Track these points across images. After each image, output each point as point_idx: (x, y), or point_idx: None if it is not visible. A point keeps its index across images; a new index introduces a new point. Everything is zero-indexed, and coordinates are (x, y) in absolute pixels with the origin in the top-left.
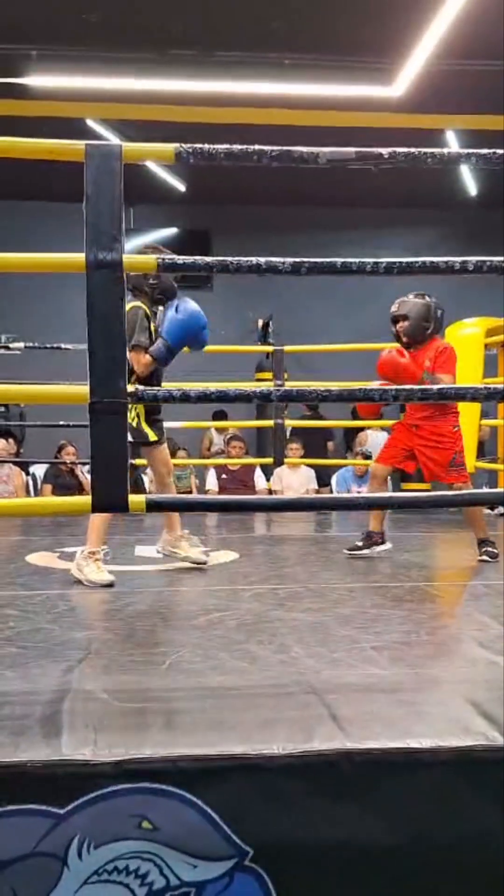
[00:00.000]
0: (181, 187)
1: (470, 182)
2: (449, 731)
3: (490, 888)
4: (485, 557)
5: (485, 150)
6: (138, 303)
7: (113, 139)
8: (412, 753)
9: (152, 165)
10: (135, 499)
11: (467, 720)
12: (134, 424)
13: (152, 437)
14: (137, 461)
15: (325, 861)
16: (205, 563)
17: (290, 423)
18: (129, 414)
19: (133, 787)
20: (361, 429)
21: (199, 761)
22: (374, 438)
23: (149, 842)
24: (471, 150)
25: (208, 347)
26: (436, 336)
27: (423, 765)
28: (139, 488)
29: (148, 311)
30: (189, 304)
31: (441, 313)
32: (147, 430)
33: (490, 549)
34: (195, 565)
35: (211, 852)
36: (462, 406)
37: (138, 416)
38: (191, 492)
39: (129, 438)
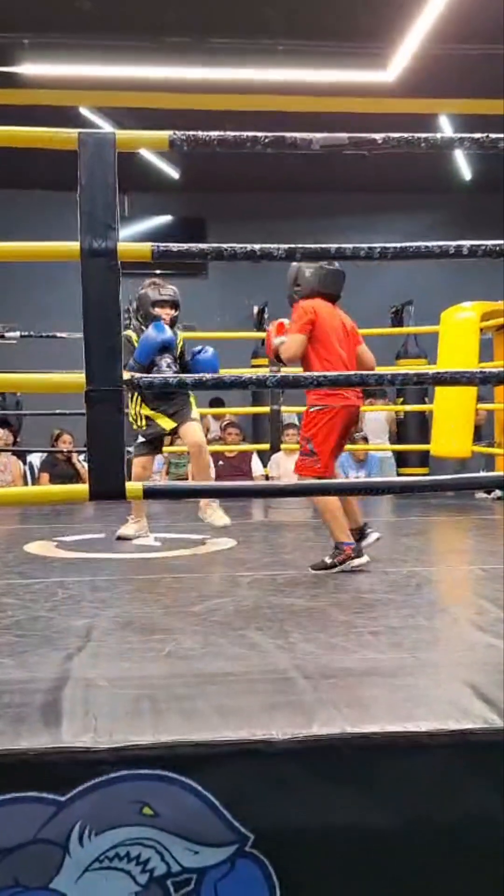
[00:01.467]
0: (175, 175)
1: (465, 166)
2: (448, 715)
3: (491, 870)
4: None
5: (478, 135)
6: (128, 332)
7: (106, 127)
8: (411, 737)
9: (146, 153)
10: (132, 486)
11: (466, 703)
12: (143, 424)
13: (169, 425)
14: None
15: (326, 845)
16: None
17: (286, 410)
18: (135, 421)
19: (133, 774)
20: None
21: (199, 747)
22: (370, 419)
23: (150, 828)
24: (464, 135)
25: (204, 334)
26: (308, 298)
27: (422, 748)
28: None
29: (135, 339)
30: (151, 329)
31: (312, 273)
32: (161, 421)
33: (337, 558)
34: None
35: (212, 838)
36: (458, 390)
37: (142, 416)
38: (187, 479)
39: (142, 439)
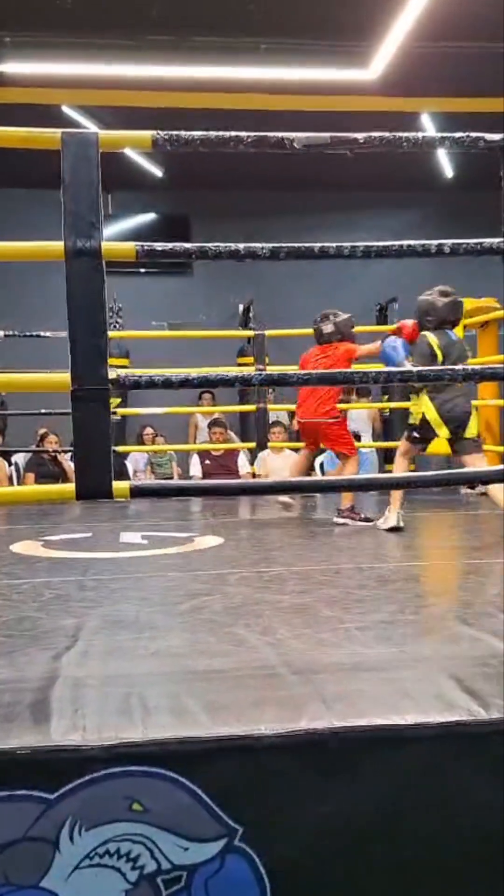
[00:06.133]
0: (158, 173)
1: (449, 164)
2: (433, 707)
3: (478, 859)
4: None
5: (459, 134)
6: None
7: (89, 125)
8: (397, 730)
9: (130, 151)
10: (119, 485)
11: (451, 696)
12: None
13: (444, 434)
14: (120, 448)
15: (314, 839)
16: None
17: (273, 408)
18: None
19: (123, 771)
20: None
21: (188, 743)
22: (353, 417)
23: (139, 823)
24: (445, 134)
25: (189, 332)
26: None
27: (409, 740)
28: (122, 475)
29: (430, 339)
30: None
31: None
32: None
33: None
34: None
35: (201, 832)
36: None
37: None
38: (172, 478)
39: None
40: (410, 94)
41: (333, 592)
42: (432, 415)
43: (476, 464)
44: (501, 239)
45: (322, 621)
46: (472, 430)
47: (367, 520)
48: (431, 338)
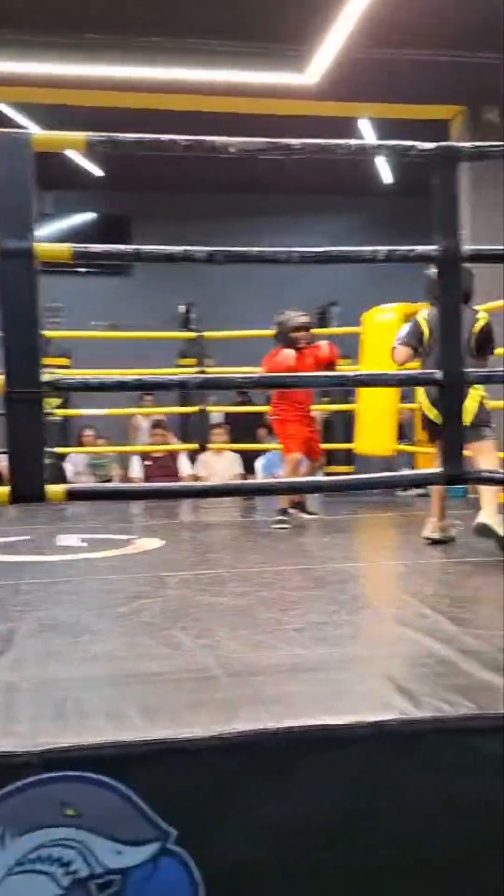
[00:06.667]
0: (98, 172)
1: (387, 169)
2: (368, 707)
3: (415, 856)
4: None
5: (392, 142)
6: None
7: (28, 124)
8: (333, 730)
9: (68, 150)
10: (53, 488)
11: (386, 696)
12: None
13: (436, 417)
14: (59, 450)
15: (250, 841)
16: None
17: (212, 409)
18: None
19: (57, 776)
20: None
21: (122, 748)
22: None
23: (72, 828)
24: (379, 142)
25: (130, 333)
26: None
27: (344, 741)
28: (59, 477)
29: (423, 319)
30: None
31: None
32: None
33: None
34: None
35: (135, 836)
36: (381, 391)
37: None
38: (111, 480)
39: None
40: (349, 99)
41: (272, 594)
42: (422, 397)
43: (480, 456)
44: (434, 246)
45: (260, 623)
46: (467, 416)
47: (283, 514)
48: (421, 314)
